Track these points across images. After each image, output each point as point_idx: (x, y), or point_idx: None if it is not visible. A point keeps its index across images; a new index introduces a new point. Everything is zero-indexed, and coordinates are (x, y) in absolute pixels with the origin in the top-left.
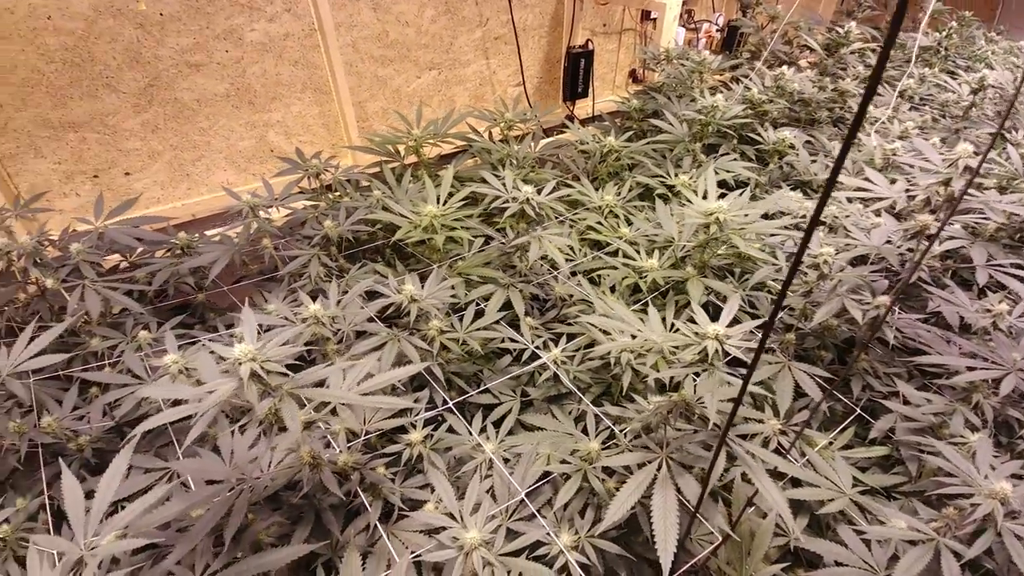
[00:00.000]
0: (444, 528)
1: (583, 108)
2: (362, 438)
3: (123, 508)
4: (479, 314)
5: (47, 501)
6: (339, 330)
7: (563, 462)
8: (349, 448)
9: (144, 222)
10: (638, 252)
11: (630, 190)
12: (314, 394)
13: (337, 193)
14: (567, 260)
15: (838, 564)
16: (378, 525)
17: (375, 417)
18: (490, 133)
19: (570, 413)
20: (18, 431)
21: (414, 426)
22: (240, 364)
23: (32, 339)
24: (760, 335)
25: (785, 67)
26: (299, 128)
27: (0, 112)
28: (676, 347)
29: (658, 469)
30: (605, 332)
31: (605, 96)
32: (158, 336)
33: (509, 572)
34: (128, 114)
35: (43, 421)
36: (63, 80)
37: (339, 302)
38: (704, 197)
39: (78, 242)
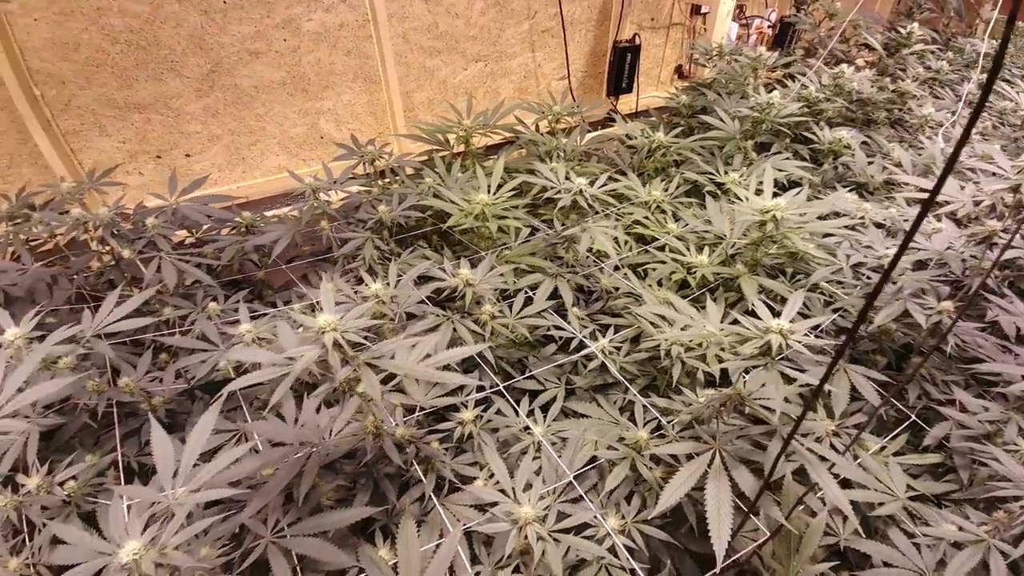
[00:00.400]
0: (495, 503)
1: (626, 103)
2: (416, 414)
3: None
4: (527, 302)
5: (120, 458)
6: (393, 311)
7: (610, 448)
8: (405, 423)
9: (212, 200)
10: (687, 248)
11: (677, 187)
12: (388, 365)
13: (387, 180)
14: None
15: (886, 565)
16: (432, 496)
17: (430, 394)
18: (536, 126)
19: (615, 403)
20: (96, 389)
21: (465, 406)
22: (324, 333)
23: (118, 304)
24: (821, 335)
25: (844, 65)
26: (348, 116)
27: (63, 89)
28: (735, 341)
29: (711, 460)
30: (654, 325)
31: (649, 92)
32: (225, 308)
33: (562, 547)
34: (191, 98)
35: (121, 381)
36: (128, 62)
37: (395, 283)
38: (759, 194)
39: (152, 216)
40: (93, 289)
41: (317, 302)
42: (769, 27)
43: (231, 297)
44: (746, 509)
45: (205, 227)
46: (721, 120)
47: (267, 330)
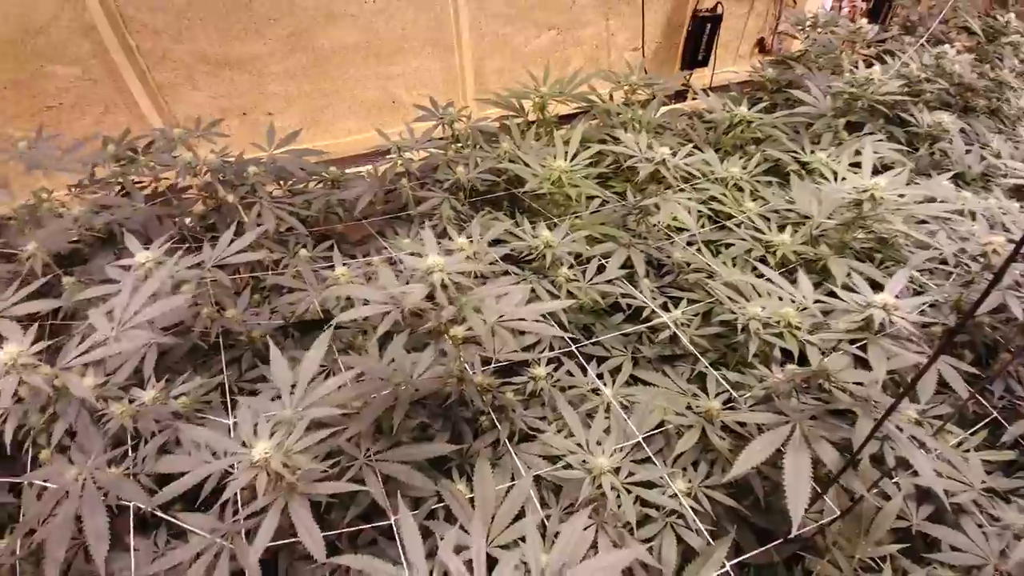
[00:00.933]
0: (565, 454)
1: (700, 78)
2: (491, 366)
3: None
4: (599, 269)
5: (225, 380)
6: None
7: (679, 415)
8: (484, 371)
9: (304, 155)
10: (769, 226)
11: (757, 165)
12: (489, 308)
13: (459, 145)
14: (685, 228)
15: (954, 549)
16: (506, 442)
17: (506, 347)
18: (610, 96)
19: (682, 374)
20: (209, 316)
21: (537, 362)
22: (432, 273)
23: (231, 240)
24: (924, 316)
25: (947, 46)
26: (420, 82)
27: (158, 40)
28: (821, 319)
29: (791, 433)
30: (731, 299)
31: (726, 66)
32: (313, 255)
33: (634, 498)
34: (276, 59)
35: (227, 313)
36: (219, 19)
37: (475, 242)
38: (854, 174)
39: (252, 166)
40: (192, 231)
41: (412, 252)
42: (863, 1)
43: (317, 246)
44: (835, 480)
45: (291, 181)
46: (811, 95)
47: (358, 275)
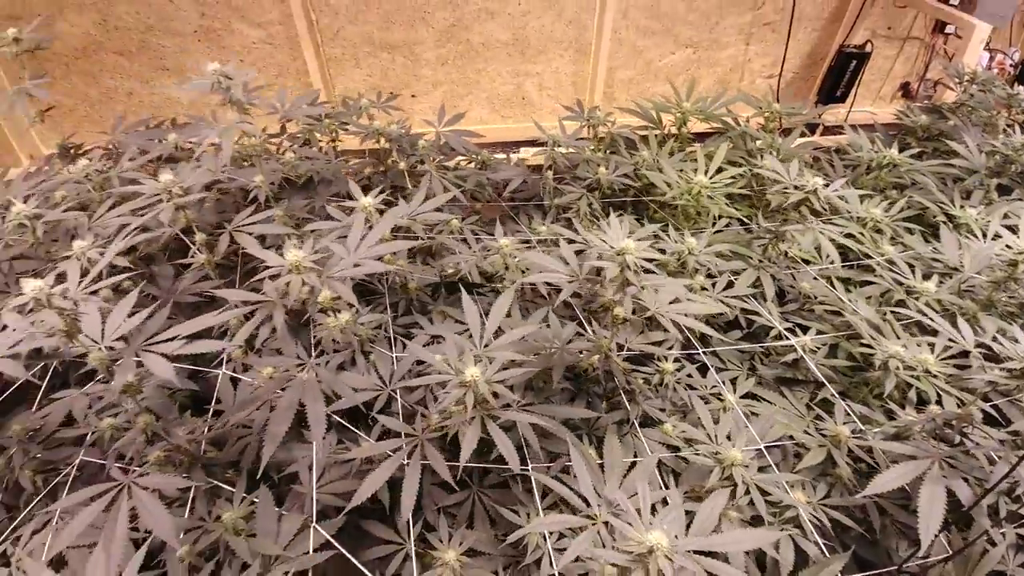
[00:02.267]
0: (695, 442)
1: (835, 114)
2: (625, 352)
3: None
4: (728, 284)
5: (389, 321)
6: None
7: (806, 433)
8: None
9: (464, 135)
10: (912, 272)
11: (900, 210)
12: (655, 296)
13: (592, 148)
14: (811, 260)
15: None
16: (635, 423)
17: (638, 338)
18: (747, 120)
19: (801, 399)
20: (389, 262)
21: (665, 358)
22: (624, 255)
23: (425, 200)
24: None
25: None
26: (552, 83)
27: (335, 18)
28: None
29: (930, 465)
30: (872, 336)
31: (863, 105)
32: (462, 226)
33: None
34: (430, 46)
35: (399, 262)
36: (392, 6)
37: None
38: (1013, 233)
39: (423, 139)
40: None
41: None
42: (1011, 65)
43: (465, 219)
44: (967, 512)
45: (440, 157)
46: (967, 149)
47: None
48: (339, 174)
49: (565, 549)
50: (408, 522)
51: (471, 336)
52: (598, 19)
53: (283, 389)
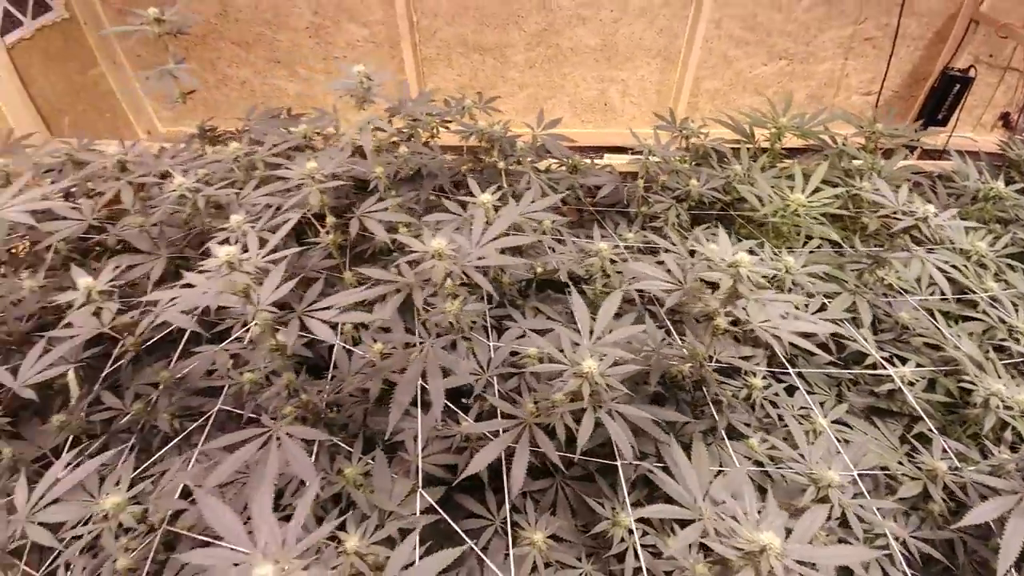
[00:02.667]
0: (776, 460)
1: (933, 138)
2: (713, 363)
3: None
4: (822, 307)
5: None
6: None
7: (900, 464)
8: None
9: (559, 139)
10: (1016, 311)
11: (1005, 246)
12: (761, 310)
13: (681, 159)
14: (908, 290)
15: None
16: (724, 434)
17: (727, 351)
18: (845, 139)
19: (894, 431)
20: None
21: (754, 373)
22: (739, 267)
23: (532, 200)
24: None
25: None
26: (636, 90)
27: (434, 20)
28: None
29: (1019, 501)
30: (974, 373)
31: (964, 131)
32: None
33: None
34: (520, 49)
35: None
36: (489, 9)
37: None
38: None
39: (520, 141)
40: (454, 188)
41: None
42: None
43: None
44: None
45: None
46: None
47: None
48: (442, 169)
49: (652, 545)
50: (507, 501)
51: (578, 332)
52: (690, 28)
53: (405, 365)
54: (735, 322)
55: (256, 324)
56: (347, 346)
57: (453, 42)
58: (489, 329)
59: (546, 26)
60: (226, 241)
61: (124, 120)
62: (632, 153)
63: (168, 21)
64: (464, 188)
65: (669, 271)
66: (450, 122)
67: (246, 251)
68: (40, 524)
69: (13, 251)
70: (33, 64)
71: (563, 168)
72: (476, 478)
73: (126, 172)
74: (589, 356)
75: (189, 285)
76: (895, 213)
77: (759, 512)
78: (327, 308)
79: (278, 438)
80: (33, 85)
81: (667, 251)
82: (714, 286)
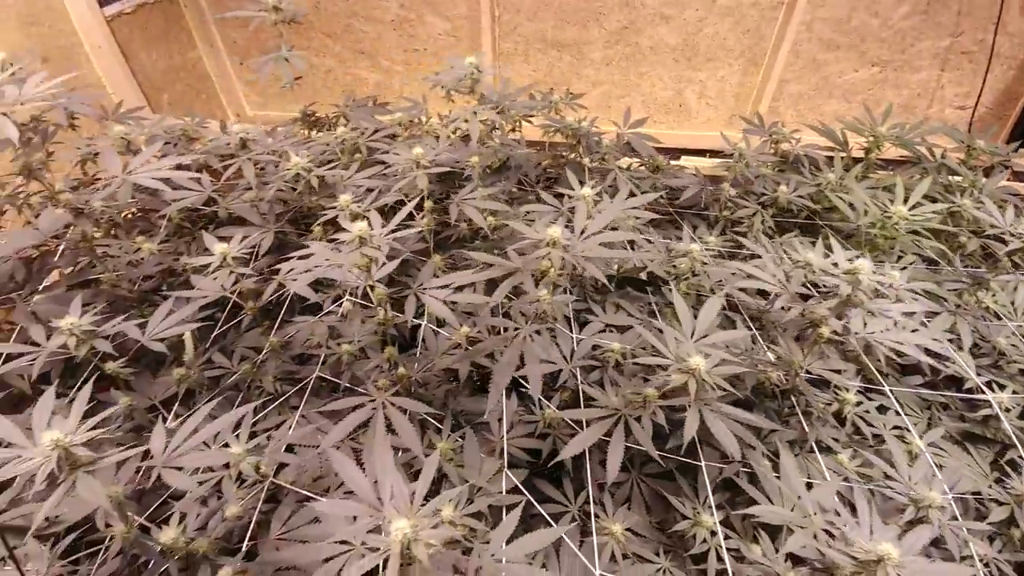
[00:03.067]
0: (866, 476)
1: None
2: (803, 374)
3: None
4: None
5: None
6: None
7: (991, 487)
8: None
9: (645, 138)
10: None
11: None
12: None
13: (769, 164)
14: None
15: None
16: (815, 445)
17: (815, 364)
18: (943, 154)
19: (985, 457)
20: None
21: (846, 388)
22: (855, 275)
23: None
24: None
25: None
26: (714, 92)
27: (516, 15)
28: None
29: None
30: None
31: None
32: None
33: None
34: (598, 47)
35: None
36: (571, 6)
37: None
38: None
39: (605, 139)
40: (536, 181)
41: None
42: None
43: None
44: None
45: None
46: None
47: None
48: (528, 162)
49: (736, 549)
50: (589, 490)
51: (670, 331)
52: (779, 29)
53: (494, 349)
54: (835, 332)
55: (348, 300)
56: (434, 327)
57: (532, 38)
58: (572, 321)
59: (627, 24)
60: (357, 217)
61: (216, 102)
62: (711, 155)
63: (284, 9)
64: (545, 182)
65: (773, 274)
66: (534, 116)
67: (389, 227)
68: (178, 469)
69: (126, 216)
70: (134, 40)
71: (643, 167)
72: (554, 465)
73: (246, 149)
74: (696, 353)
75: (306, 257)
76: (1002, 234)
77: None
78: (442, 287)
79: (384, 406)
80: (134, 61)
81: (753, 256)
82: (806, 296)
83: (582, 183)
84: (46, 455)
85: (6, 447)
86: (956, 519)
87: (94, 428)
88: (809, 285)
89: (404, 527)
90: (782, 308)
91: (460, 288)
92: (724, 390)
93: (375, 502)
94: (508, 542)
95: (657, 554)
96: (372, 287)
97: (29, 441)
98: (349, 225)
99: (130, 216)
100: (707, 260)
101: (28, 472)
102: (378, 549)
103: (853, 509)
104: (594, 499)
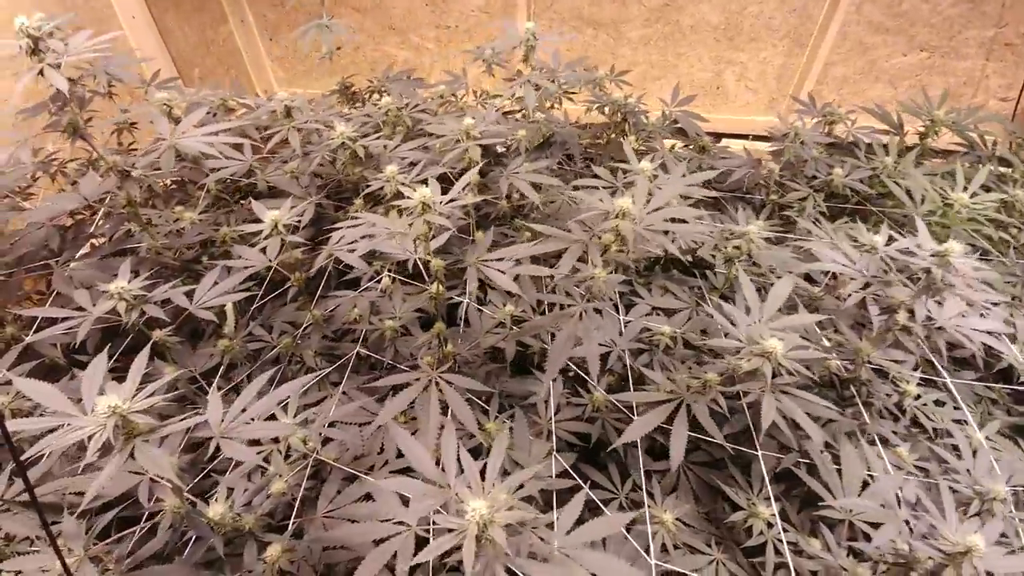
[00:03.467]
0: (923, 470)
1: None
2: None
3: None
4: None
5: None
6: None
7: None
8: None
9: (693, 117)
10: None
11: None
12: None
13: (820, 147)
14: None
15: None
16: (876, 438)
17: (877, 352)
18: (994, 143)
19: None
20: None
21: (908, 381)
22: (944, 256)
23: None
24: None
25: None
26: (755, 74)
27: None
28: None
29: None
30: None
31: None
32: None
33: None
34: (636, 25)
35: None
36: None
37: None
38: None
39: (651, 117)
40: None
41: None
42: None
43: None
44: None
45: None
46: None
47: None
48: (572, 137)
49: (795, 543)
50: (640, 476)
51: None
52: (827, 9)
53: (540, 331)
54: (910, 319)
55: (387, 275)
56: (477, 305)
57: (567, 15)
58: (618, 303)
59: (668, 1)
60: (398, 196)
61: (246, 78)
62: (753, 139)
63: None
64: (584, 163)
65: (848, 256)
66: (575, 93)
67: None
68: (236, 440)
69: (163, 187)
70: (168, 12)
71: (686, 149)
72: (601, 451)
73: (290, 118)
74: (770, 336)
75: (356, 227)
76: None
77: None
78: (501, 259)
79: (437, 383)
80: (166, 33)
81: (802, 241)
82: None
83: (623, 161)
84: (100, 423)
85: (49, 415)
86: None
87: (151, 396)
88: (878, 270)
89: (481, 507)
90: (852, 293)
91: (518, 262)
92: (810, 375)
93: (441, 480)
94: (571, 530)
95: (708, 545)
96: (427, 259)
97: (76, 409)
98: (415, 193)
99: (167, 187)
100: (760, 243)
101: (74, 442)
102: (449, 529)
103: (916, 503)
104: (641, 487)
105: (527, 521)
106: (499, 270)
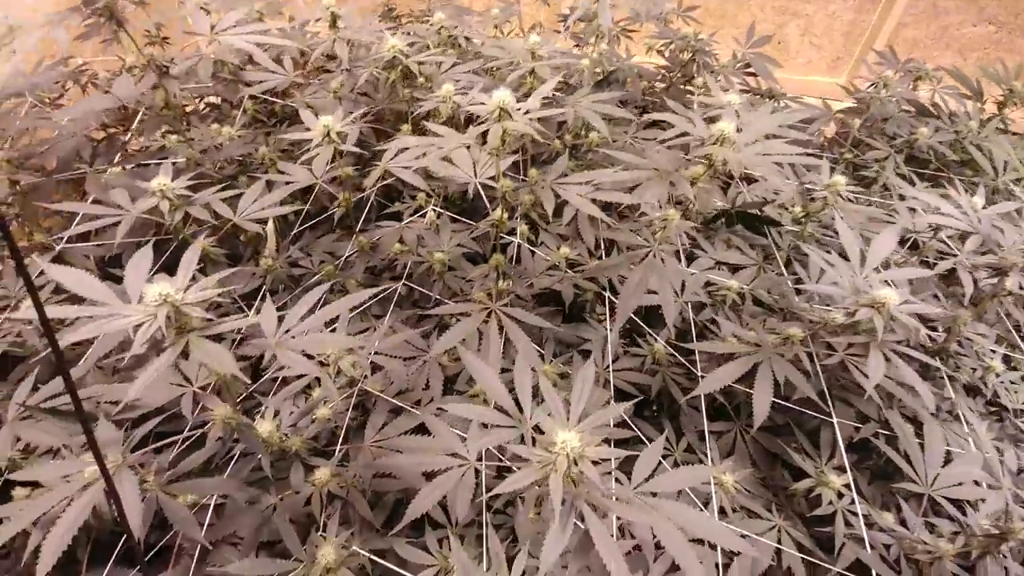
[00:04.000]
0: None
1: None
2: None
3: None
4: None
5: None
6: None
7: None
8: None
9: (767, 60)
10: None
11: None
12: None
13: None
14: None
15: None
16: (961, 415)
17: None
18: None
19: None
20: None
21: (991, 357)
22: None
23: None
24: None
25: None
26: (821, 28)
27: None
28: None
29: None
30: None
31: None
32: None
33: None
34: None
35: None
36: None
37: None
38: None
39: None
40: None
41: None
42: None
43: None
44: None
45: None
46: None
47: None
48: (631, 74)
49: (866, 515)
50: (706, 436)
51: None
52: None
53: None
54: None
55: (432, 209)
56: (529, 247)
57: None
58: (680, 254)
59: None
60: (450, 119)
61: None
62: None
63: None
64: (640, 109)
65: (960, 209)
66: (634, 31)
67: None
68: (293, 351)
69: (198, 107)
70: None
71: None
72: (653, 406)
73: (335, 29)
74: (880, 285)
75: (406, 147)
76: None
77: None
78: (580, 184)
79: (498, 316)
80: None
81: (876, 201)
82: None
83: (740, 91)
84: (150, 312)
85: (90, 305)
86: None
87: (205, 291)
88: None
89: (572, 439)
90: (961, 251)
91: (597, 187)
92: (925, 329)
93: (514, 411)
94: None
95: (769, 510)
96: (489, 183)
97: (120, 302)
98: (485, 97)
99: (199, 110)
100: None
101: (119, 335)
102: (528, 461)
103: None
104: (696, 447)
105: (610, 460)
106: (580, 194)
